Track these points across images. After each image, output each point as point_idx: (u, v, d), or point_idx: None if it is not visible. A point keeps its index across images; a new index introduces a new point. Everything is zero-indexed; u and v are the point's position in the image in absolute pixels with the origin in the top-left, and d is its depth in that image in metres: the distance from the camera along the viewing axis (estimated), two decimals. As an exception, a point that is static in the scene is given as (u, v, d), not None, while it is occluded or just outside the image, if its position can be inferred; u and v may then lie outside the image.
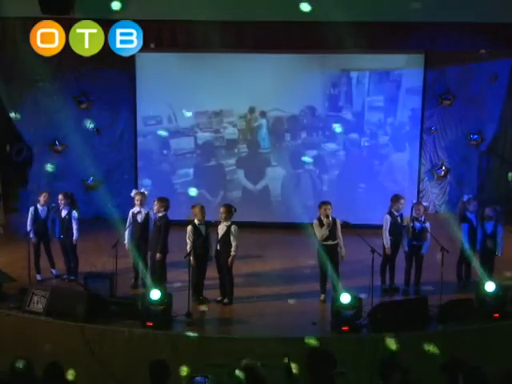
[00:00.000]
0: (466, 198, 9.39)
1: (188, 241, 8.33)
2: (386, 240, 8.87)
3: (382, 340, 7.16)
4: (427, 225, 8.77)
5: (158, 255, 8.54)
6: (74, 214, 9.12)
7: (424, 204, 9.23)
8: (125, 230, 8.93)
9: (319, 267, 8.57)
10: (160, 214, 8.65)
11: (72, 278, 9.12)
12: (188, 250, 8.25)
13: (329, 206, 8.46)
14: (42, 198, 9.26)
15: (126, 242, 8.88)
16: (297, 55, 12.06)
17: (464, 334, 7.49)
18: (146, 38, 9.59)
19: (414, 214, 8.83)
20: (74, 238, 9.10)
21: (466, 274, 9.24)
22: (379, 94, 12.48)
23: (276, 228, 12.27)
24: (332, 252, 8.44)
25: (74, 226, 9.08)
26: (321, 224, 8.44)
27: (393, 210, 8.93)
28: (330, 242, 8.44)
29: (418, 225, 8.75)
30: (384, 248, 8.85)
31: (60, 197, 9.15)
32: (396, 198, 8.96)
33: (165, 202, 8.70)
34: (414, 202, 9.13)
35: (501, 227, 8.98)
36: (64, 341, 7.35)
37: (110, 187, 12.69)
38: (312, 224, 8.56)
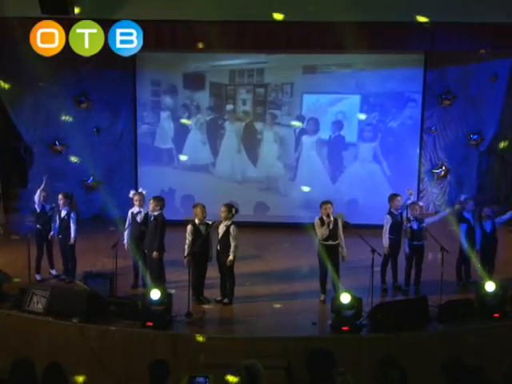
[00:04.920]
0: (463, 197, 9.43)
1: (187, 240, 8.35)
2: (385, 239, 8.89)
3: (381, 340, 7.18)
4: (425, 223, 8.81)
5: (154, 253, 8.54)
6: (73, 214, 9.12)
7: (420, 204, 9.26)
8: (124, 230, 8.95)
9: (319, 267, 8.57)
10: (156, 213, 8.65)
11: (71, 278, 9.12)
12: (186, 249, 8.26)
13: (329, 206, 8.47)
14: (41, 196, 9.28)
15: (125, 241, 8.89)
16: (296, 55, 12.06)
17: (464, 334, 7.48)
18: (146, 38, 9.59)
19: (409, 215, 8.86)
20: (72, 238, 9.07)
21: (466, 274, 9.25)
22: (378, 94, 12.49)
23: (276, 228, 12.27)
24: (332, 252, 8.44)
25: (72, 227, 9.07)
26: (322, 223, 8.44)
27: (392, 210, 8.96)
28: (330, 242, 8.44)
29: (415, 224, 8.77)
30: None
31: (60, 197, 9.15)
32: (393, 197, 9.03)
33: (160, 201, 8.71)
34: (409, 202, 9.13)
35: (499, 221, 9.05)
36: (64, 341, 7.35)
37: (110, 187, 12.70)
38: (313, 223, 8.57)
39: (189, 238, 8.37)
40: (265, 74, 12.54)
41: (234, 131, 12.74)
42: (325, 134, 12.66)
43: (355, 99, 12.54)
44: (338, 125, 12.62)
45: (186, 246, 8.33)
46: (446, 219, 9.43)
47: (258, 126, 12.72)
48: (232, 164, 12.84)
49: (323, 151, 12.72)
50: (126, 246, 8.89)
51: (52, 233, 9.21)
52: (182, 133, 12.83)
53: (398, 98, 12.52)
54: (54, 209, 9.22)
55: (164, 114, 12.82)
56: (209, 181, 12.76)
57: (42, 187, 9.35)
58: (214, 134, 12.79)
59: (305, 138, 12.69)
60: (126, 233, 8.93)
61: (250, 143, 12.79)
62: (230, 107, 12.72)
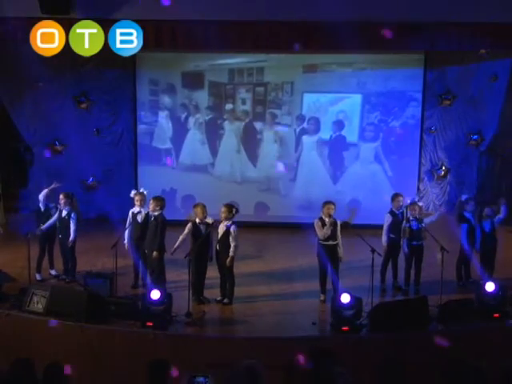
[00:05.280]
0: (463, 197, 9.44)
1: (182, 234, 8.37)
2: (384, 238, 8.91)
3: (381, 340, 7.17)
4: (425, 223, 8.81)
5: (154, 253, 8.54)
6: (73, 215, 9.12)
7: (419, 204, 9.26)
8: (125, 230, 8.95)
9: (319, 267, 8.57)
10: (156, 213, 8.65)
11: (71, 278, 9.12)
12: (179, 239, 8.33)
13: (332, 206, 8.47)
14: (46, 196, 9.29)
15: (125, 241, 8.89)
16: (297, 54, 12.05)
17: (464, 333, 7.48)
18: (146, 38, 9.59)
19: (409, 215, 8.87)
20: (71, 239, 9.07)
21: (466, 274, 9.26)
22: (380, 94, 12.49)
23: (276, 228, 12.28)
24: (332, 252, 8.45)
25: (72, 227, 9.06)
26: (322, 223, 8.44)
27: (393, 209, 8.98)
28: (330, 242, 8.45)
29: (415, 224, 8.78)
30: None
31: (61, 196, 9.15)
32: (395, 197, 9.06)
33: (160, 201, 8.71)
34: (409, 202, 9.14)
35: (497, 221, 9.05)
36: (64, 341, 7.34)
37: (110, 187, 12.70)
38: (313, 223, 8.57)
39: (185, 231, 8.40)
40: (264, 73, 12.54)
41: (233, 131, 12.74)
42: (325, 133, 12.66)
43: (356, 98, 12.55)
44: (338, 124, 12.62)
45: (180, 237, 8.37)
46: (446, 219, 9.43)
47: (258, 125, 12.71)
48: (231, 164, 12.83)
49: (324, 151, 12.72)
50: (126, 245, 8.89)
51: (43, 226, 9.17)
52: (180, 133, 12.83)
53: (400, 97, 12.53)
54: (57, 208, 9.23)
55: (162, 114, 12.82)
56: (209, 181, 12.76)
57: (50, 187, 9.34)
58: (213, 133, 12.78)
59: (305, 138, 12.69)
60: (126, 233, 8.93)
61: (250, 143, 12.79)
62: (229, 106, 12.72)
